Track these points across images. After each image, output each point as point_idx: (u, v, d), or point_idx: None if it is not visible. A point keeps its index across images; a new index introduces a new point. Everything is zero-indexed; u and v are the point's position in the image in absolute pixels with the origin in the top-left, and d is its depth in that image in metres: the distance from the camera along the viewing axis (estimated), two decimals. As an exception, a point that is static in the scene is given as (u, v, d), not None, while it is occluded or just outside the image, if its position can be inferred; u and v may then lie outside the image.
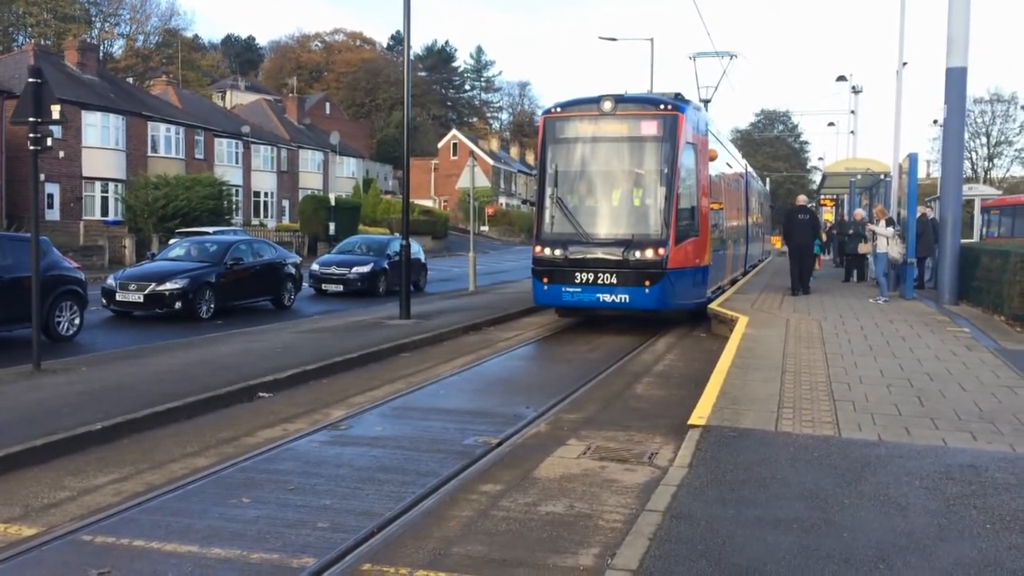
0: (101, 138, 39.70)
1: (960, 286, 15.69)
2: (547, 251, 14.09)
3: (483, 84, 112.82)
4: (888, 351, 10.42)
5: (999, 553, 4.39)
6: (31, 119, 9.27)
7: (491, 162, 77.17)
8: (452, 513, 5.47)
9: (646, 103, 14.36)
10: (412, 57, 16.43)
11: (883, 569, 4.19)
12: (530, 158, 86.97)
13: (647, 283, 13.44)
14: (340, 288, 21.01)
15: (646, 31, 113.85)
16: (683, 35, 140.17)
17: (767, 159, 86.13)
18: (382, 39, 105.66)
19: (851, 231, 21.39)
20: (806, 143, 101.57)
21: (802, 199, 19.01)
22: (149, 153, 42.67)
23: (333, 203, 42.94)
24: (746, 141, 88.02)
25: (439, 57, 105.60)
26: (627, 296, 13.55)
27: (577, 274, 13.73)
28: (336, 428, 7.70)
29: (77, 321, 13.04)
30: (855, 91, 39.27)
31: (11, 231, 21.65)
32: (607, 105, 14.02)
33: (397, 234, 26.69)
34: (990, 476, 5.62)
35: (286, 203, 55.26)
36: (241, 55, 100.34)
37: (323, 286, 21.26)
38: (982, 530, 4.71)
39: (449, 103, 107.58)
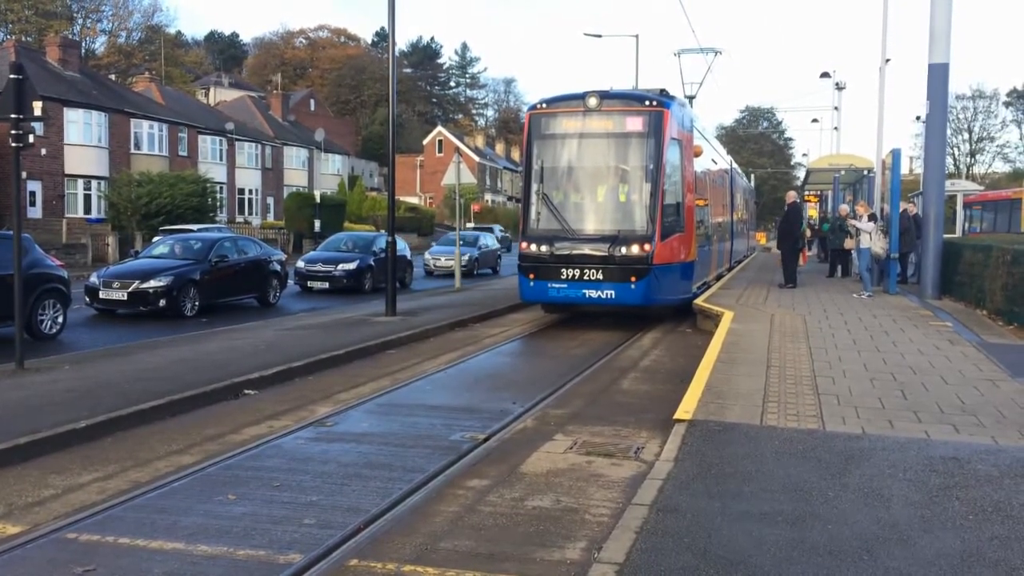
0: (84, 135, 39.43)
1: (943, 281, 15.81)
2: (533, 247, 14.10)
3: (468, 81, 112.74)
4: (872, 345, 10.49)
5: (981, 544, 4.44)
6: (12, 116, 9.21)
7: (477, 159, 77.09)
8: (439, 508, 5.47)
9: (631, 99, 14.38)
10: (397, 54, 16.38)
11: (867, 560, 4.22)
12: (516, 155, 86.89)
13: (633, 279, 13.48)
14: (326, 285, 20.97)
15: (631, 28, 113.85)
16: (668, 32, 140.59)
17: (752, 155, 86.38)
18: (367, 36, 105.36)
19: (837, 226, 21.53)
20: (790, 139, 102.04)
21: (793, 194, 19.18)
22: (132, 150, 42.41)
23: (318, 200, 42.79)
24: (731, 137, 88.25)
25: (424, 54, 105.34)
26: (613, 292, 13.58)
27: (563, 270, 13.75)
28: (322, 425, 7.68)
29: (60, 319, 12.95)
30: (839, 87, 39.58)
31: (-8, 229, 21.45)
32: (592, 101, 14.03)
33: (383, 231, 26.63)
34: (972, 468, 5.68)
35: (271, 200, 55.01)
36: (225, 52, 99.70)
37: (309, 283, 21.20)
38: (965, 521, 4.75)
39: (434, 100, 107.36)
